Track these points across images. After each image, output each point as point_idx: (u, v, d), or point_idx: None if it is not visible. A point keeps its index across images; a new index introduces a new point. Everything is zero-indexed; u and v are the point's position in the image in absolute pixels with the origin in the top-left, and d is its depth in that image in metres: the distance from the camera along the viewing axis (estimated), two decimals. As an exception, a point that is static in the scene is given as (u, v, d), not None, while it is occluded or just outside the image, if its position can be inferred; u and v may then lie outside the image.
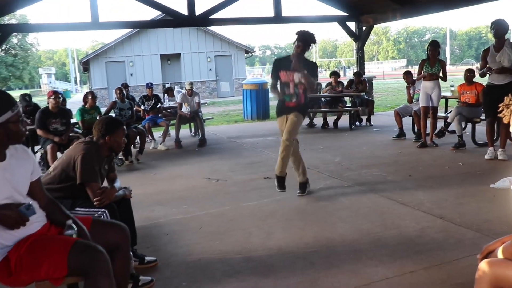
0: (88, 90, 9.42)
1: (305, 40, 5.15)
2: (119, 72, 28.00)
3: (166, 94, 11.82)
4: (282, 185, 5.39)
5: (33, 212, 2.41)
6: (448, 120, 7.96)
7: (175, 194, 5.96)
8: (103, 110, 9.00)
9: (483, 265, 2.01)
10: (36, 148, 7.90)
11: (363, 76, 11.94)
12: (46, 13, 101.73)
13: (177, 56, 29.64)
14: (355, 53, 13.67)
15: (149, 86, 10.28)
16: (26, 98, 8.40)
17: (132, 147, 8.56)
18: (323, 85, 11.71)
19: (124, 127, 3.58)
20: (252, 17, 12.90)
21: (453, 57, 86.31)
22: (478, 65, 7.34)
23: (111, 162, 3.70)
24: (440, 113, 8.68)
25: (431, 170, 6.46)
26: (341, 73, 41.64)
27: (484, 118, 7.29)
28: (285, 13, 11.88)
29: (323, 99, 11.55)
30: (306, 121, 11.70)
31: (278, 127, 5.56)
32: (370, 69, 67.14)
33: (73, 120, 8.19)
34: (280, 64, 5.36)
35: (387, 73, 54.02)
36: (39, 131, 7.29)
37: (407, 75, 9.19)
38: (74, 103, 17.83)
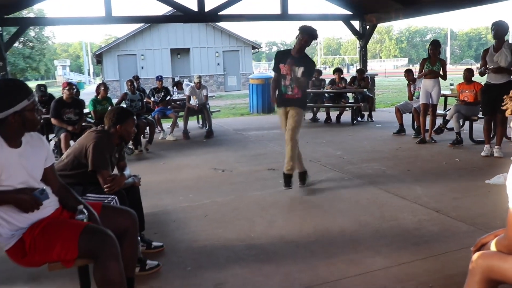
0: (101, 82, 9.41)
1: (310, 33, 5.11)
2: (131, 65, 28.03)
3: (175, 87, 11.84)
4: (288, 182, 5.29)
5: (47, 197, 2.43)
6: (447, 118, 7.94)
7: (182, 183, 5.97)
8: (114, 101, 9.01)
9: (477, 257, 2.01)
10: (51, 136, 7.94)
11: (366, 73, 11.88)
12: (62, 7, 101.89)
13: (186, 51, 29.59)
14: (359, 51, 13.60)
15: (159, 78, 10.28)
16: (41, 88, 8.41)
17: (141, 137, 8.57)
18: (327, 81, 11.67)
19: (134, 117, 3.58)
20: (259, 14, 12.84)
21: (453, 56, 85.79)
22: (478, 64, 7.31)
23: (121, 151, 3.72)
24: (439, 111, 8.65)
25: (429, 165, 6.44)
26: (345, 70, 41.56)
27: (481, 116, 7.27)
28: (291, 10, 11.84)
29: (326, 94, 11.54)
30: (310, 115, 11.70)
31: (278, 118, 5.55)
32: (373, 66, 66.88)
33: (86, 110, 8.21)
34: (281, 57, 5.35)
35: (389, 71, 53.73)
36: (53, 120, 7.32)
37: (408, 73, 9.17)
38: (87, 94, 17.86)
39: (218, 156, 7.60)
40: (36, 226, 2.43)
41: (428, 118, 8.10)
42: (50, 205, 2.55)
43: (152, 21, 17.87)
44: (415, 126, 8.83)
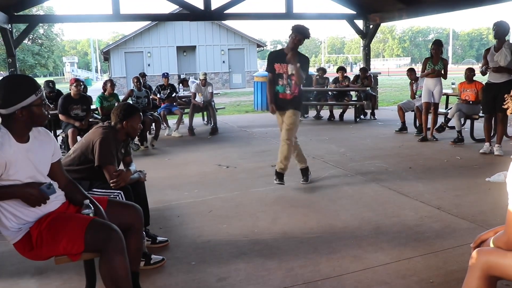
0: (108, 79, 9.40)
1: (302, 33, 5.08)
2: (137, 62, 28.07)
3: (181, 84, 11.82)
4: (281, 177, 5.25)
5: (53, 191, 2.43)
6: (448, 116, 7.93)
7: (187, 179, 5.97)
8: (121, 97, 9.01)
9: (476, 254, 2.01)
10: (58, 132, 7.95)
11: (369, 72, 11.85)
12: (71, 5, 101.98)
13: (192, 48, 29.60)
14: (362, 50, 13.55)
15: (165, 76, 10.26)
16: (50, 84, 8.42)
17: (147, 133, 8.56)
18: (331, 79, 11.65)
19: (141, 113, 3.57)
20: (264, 12, 12.81)
21: (455, 56, 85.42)
22: (479, 64, 7.28)
23: (127, 146, 3.71)
24: (441, 109, 8.63)
25: (431, 163, 6.41)
26: (348, 69, 41.41)
27: (482, 115, 7.24)
28: (296, 9, 11.81)
29: (330, 92, 11.52)
30: (313, 113, 11.67)
31: (276, 119, 5.53)
32: (376, 65, 66.76)
33: (93, 107, 8.21)
34: (275, 57, 5.31)
35: (391, 69, 53.65)
36: (61, 116, 7.33)
37: (411, 72, 9.13)
38: (94, 90, 17.88)
39: (222, 153, 7.59)
40: (43, 220, 2.43)
41: (430, 117, 8.07)
42: (57, 200, 2.54)
43: (159, 19, 17.89)
44: (417, 124, 8.79)
